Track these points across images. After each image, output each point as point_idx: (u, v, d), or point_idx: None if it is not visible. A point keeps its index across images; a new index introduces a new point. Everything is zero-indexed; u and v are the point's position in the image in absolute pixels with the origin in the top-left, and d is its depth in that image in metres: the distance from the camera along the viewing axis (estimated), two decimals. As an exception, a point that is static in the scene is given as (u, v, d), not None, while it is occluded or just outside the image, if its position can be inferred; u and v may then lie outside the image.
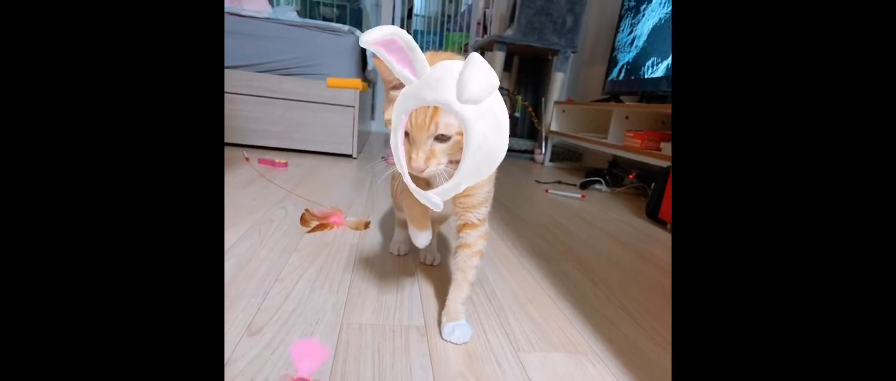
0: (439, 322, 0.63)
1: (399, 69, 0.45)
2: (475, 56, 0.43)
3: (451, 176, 0.48)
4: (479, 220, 0.62)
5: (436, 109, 0.45)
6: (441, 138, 0.47)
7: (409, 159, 0.48)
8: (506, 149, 0.47)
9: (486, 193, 0.62)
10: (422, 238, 0.62)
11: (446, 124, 0.46)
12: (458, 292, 0.62)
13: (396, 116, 0.47)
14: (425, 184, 0.54)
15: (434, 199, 0.47)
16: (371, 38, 0.42)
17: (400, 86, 0.50)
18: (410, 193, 0.52)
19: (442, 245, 0.97)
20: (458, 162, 0.46)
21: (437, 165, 0.48)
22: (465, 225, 0.62)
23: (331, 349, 0.46)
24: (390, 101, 0.53)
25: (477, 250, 0.63)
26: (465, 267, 0.62)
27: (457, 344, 0.60)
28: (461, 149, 0.45)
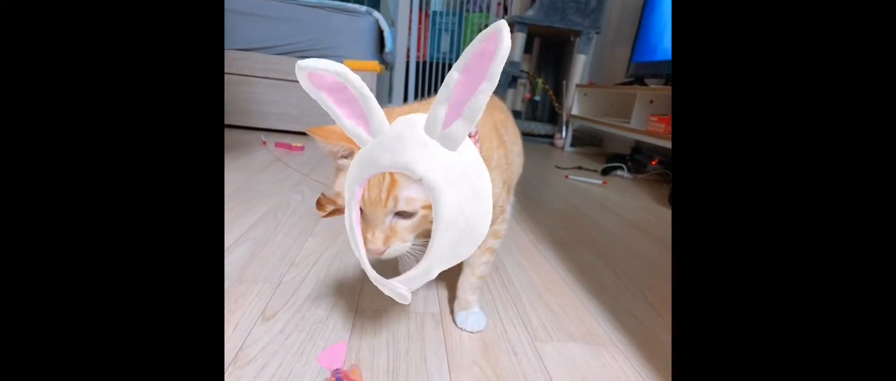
0: (452, 311, 0.62)
1: (350, 125, 0.36)
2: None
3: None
4: None
5: (393, 179, 0.36)
6: (403, 215, 0.38)
7: (366, 240, 0.39)
8: (489, 221, 0.38)
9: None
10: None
11: (407, 199, 0.37)
12: (467, 282, 0.59)
13: (349, 188, 0.38)
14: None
15: (400, 289, 0.39)
16: (311, 66, 0.32)
17: (350, 154, 0.40)
18: None
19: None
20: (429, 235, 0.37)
21: (401, 244, 0.39)
22: None
23: (345, 344, 0.44)
24: (339, 170, 0.44)
25: (487, 248, 0.57)
26: (475, 263, 0.57)
27: (472, 333, 0.58)
28: (431, 221, 0.36)
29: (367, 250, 0.39)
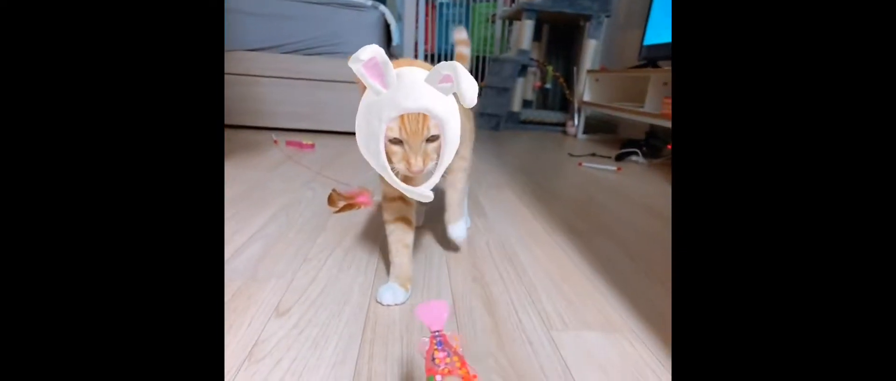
0: (446, 223, 0.74)
1: (371, 82, 0.49)
2: (457, 65, 0.47)
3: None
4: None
5: (422, 115, 0.50)
6: (432, 139, 0.53)
7: (409, 163, 0.53)
8: (459, 138, 0.55)
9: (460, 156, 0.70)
10: (394, 296, 0.62)
11: (434, 125, 0.52)
12: (453, 199, 0.73)
13: (375, 124, 0.50)
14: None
15: (426, 192, 0.54)
16: (361, 58, 0.46)
17: None
18: (398, 223, 0.66)
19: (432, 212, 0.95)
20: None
21: (431, 164, 0.54)
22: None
23: (447, 304, 0.44)
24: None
25: (461, 169, 0.73)
26: (455, 183, 0.73)
27: (460, 238, 0.74)
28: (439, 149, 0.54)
29: (412, 170, 0.53)
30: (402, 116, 0.50)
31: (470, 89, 0.48)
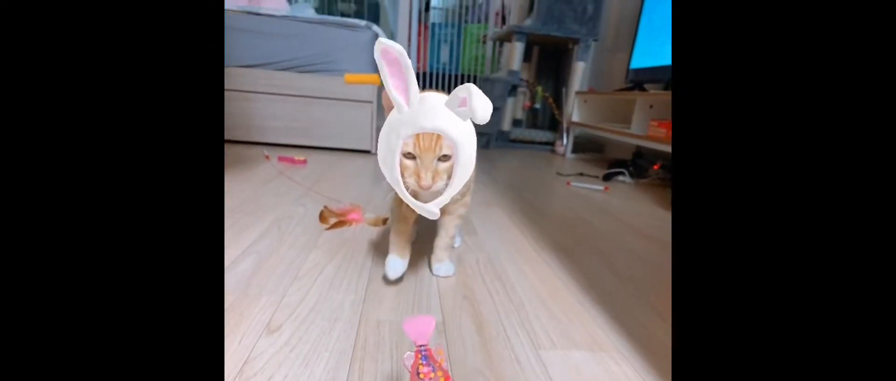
0: (430, 265, 0.76)
1: (395, 94, 0.53)
2: (472, 87, 0.51)
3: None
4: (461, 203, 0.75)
5: (437, 135, 0.54)
6: (444, 158, 0.56)
7: (419, 178, 0.56)
8: (473, 164, 0.58)
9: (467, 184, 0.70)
10: (395, 267, 0.69)
11: (448, 145, 0.55)
12: (442, 242, 0.76)
13: (394, 140, 0.54)
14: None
15: (433, 209, 0.57)
16: (385, 42, 0.50)
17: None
18: (400, 223, 0.70)
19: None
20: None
21: (440, 183, 0.57)
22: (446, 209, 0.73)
23: (433, 319, 0.44)
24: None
25: (457, 215, 0.76)
26: (448, 226, 0.75)
27: (444, 277, 0.76)
28: (450, 170, 0.56)
29: (421, 185, 0.56)
30: (417, 134, 0.54)
31: (481, 107, 0.51)
